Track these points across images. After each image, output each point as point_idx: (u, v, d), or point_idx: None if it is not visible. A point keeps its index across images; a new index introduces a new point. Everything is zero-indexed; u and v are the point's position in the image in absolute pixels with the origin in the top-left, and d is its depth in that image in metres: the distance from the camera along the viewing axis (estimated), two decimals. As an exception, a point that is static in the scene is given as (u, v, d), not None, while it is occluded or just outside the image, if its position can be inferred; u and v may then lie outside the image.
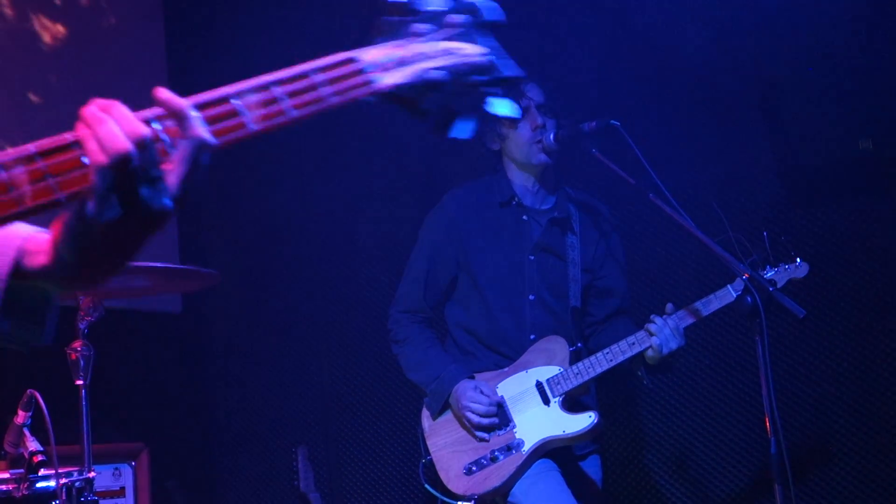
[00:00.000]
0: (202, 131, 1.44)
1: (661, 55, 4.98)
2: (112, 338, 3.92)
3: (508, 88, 1.71)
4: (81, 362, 3.53)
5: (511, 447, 3.96)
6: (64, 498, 3.27)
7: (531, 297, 4.16)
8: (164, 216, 1.43)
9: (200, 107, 1.46)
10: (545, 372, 4.03)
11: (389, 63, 1.62)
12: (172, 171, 1.43)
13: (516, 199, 4.23)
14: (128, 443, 5.03)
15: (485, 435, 3.98)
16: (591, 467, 4.23)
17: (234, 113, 1.49)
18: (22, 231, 1.66)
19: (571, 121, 4.12)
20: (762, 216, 4.51)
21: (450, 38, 1.67)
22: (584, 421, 3.96)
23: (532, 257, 4.18)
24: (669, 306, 3.91)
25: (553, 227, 4.21)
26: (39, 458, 3.39)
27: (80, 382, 3.56)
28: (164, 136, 1.45)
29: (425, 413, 4.17)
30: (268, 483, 6.07)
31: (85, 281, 1.64)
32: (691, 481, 5.00)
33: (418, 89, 1.64)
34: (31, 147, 1.39)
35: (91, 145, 1.39)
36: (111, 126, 1.39)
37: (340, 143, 6.02)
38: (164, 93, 1.45)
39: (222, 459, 6.32)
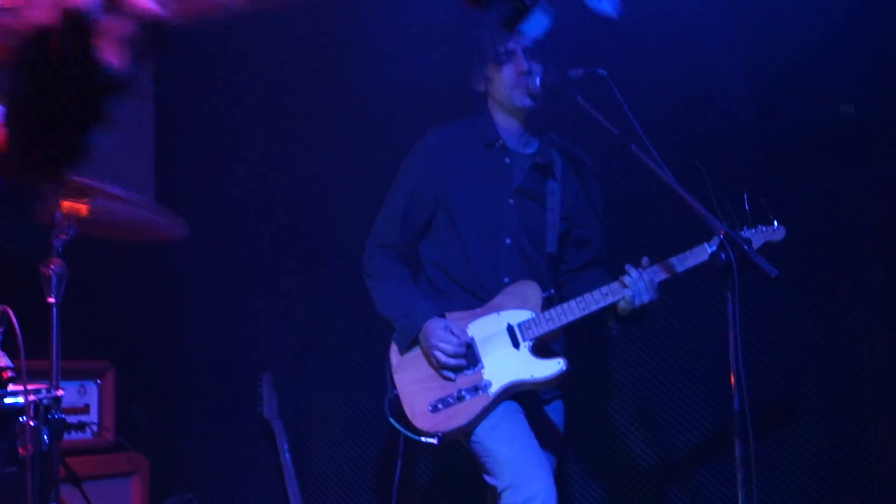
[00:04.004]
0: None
1: (649, 15, 4.95)
2: (85, 257, 3.89)
3: None
4: (54, 280, 3.50)
5: (478, 388, 3.98)
6: (31, 414, 3.28)
7: (508, 241, 4.16)
8: (107, 90, 1.26)
9: None
10: (517, 316, 4.04)
11: None
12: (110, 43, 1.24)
13: (500, 141, 4.22)
14: (94, 361, 5.03)
15: (451, 374, 4.01)
16: (555, 412, 4.27)
17: None
18: None
19: (559, 67, 4.10)
20: (742, 178, 4.51)
21: None
22: (552, 367, 3.99)
23: (512, 201, 4.18)
24: (645, 260, 3.93)
25: (535, 172, 4.21)
26: (9, 373, 3.39)
27: (52, 300, 3.54)
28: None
29: (393, 348, 4.18)
30: (231, 409, 6.09)
31: (38, 168, 1.41)
32: (653, 432, 5.06)
33: None
34: None
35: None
36: None
37: (315, 87, 6.00)
38: None
39: (187, 383, 6.33)
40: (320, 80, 6.02)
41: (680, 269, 3.90)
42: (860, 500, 4.64)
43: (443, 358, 3.99)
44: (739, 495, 3.55)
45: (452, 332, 4.01)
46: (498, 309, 4.08)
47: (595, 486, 5.18)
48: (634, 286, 3.86)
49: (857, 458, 4.65)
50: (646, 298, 3.87)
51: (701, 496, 4.92)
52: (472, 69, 4.26)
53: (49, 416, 3.32)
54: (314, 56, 6.06)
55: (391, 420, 4.09)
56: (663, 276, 3.92)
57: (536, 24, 1.48)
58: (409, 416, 4.04)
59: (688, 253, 3.89)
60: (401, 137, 4.57)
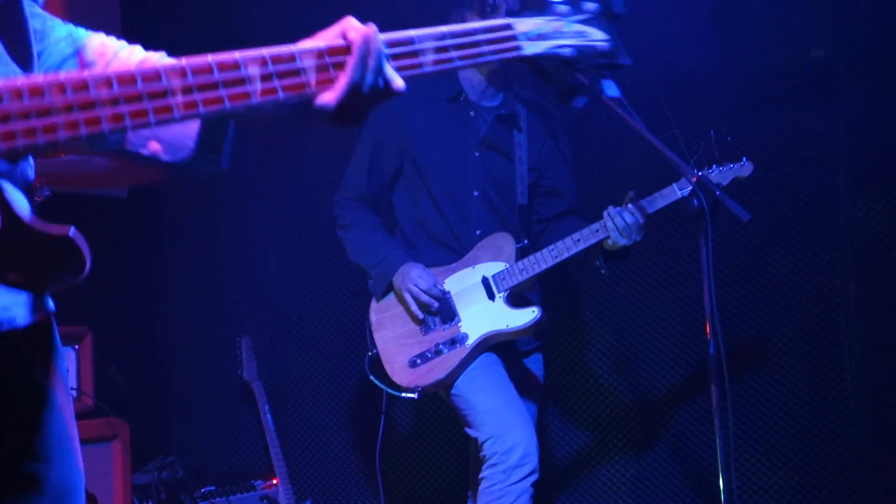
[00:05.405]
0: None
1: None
2: (58, 219, 3.88)
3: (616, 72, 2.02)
4: (28, 242, 3.47)
5: (455, 341, 4.01)
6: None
7: (476, 193, 4.19)
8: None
9: (390, 44, 1.74)
10: (491, 268, 4.07)
11: (535, 35, 1.90)
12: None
13: (464, 94, 4.23)
14: (72, 326, 5.00)
15: (424, 316, 4.03)
16: (534, 364, 4.30)
17: (415, 54, 1.77)
18: None
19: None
20: (711, 120, 4.52)
21: (583, 22, 1.97)
22: (527, 316, 4.01)
23: (477, 154, 4.20)
24: (631, 193, 3.92)
25: (499, 124, 4.22)
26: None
27: (25, 262, 3.51)
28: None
29: (373, 307, 4.21)
30: (211, 371, 6.10)
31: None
32: (630, 379, 5.09)
33: (552, 61, 1.93)
34: (263, 52, 1.62)
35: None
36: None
37: (298, 22, 5.94)
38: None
39: (166, 346, 6.33)
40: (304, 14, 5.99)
41: (650, 210, 3.90)
42: (836, 441, 4.70)
43: (415, 291, 4.02)
44: (717, 439, 3.58)
45: (427, 275, 4.05)
46: (473, 262, 4.11)
47: (574, 434, 5.22)
48: (613, 230, 3.87)
49: (832, 399, 4.70)
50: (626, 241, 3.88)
51: (679, 442, 4.97)
52: (452, 13, 4.25)
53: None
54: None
55: (371, 378, 4.12)
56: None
57: (581, 101, 2.03)
58: (389, 372, 4.08)
59: (657, 194, 3.88)
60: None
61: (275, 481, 5.39)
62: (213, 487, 5.24)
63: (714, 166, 3.83)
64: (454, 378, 4.01)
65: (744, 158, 3.82)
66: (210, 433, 6.11)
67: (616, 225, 3.84)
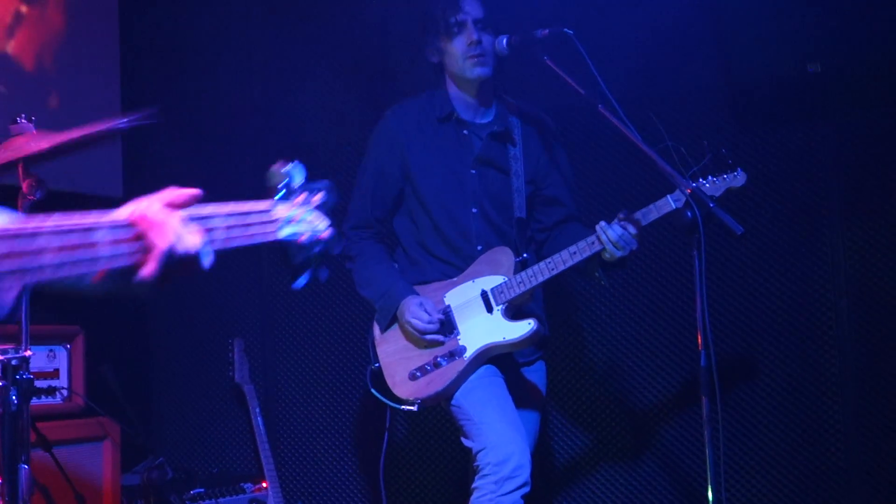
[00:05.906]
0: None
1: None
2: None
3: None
4: (21, 242, 3.47)
5: (454, 353, 4.04)
6: (0, 374, 3.27)
7: (474, 210, 4.21)
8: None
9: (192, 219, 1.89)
10: (490, 281, 4.09)
11: (286, 220, 2.20)
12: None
13: (455, 114, 4.25)
14: (64, 325, 5.00)
15: (431, 339, 4.06)
16: (536, 373, 4.32)
17: (210, 230, 1.97)
18: None
19: (523, 29, 4.11)
20: (708, 135, 4.53)
21: (313, 211, 2.28)
22: (523, 328, 4.03)
23: (473, 171, 4.22)
24: (621, 214, 3.92)
25: (493, 141, 4.24)
26: (-23, 335, 3.38)
27: (19, 262, 3.51)
28: None
29: (376, 323, 4.24)
30: (202, 373, 6.09)
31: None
32: (621, 391, 5.10)
33: (294, 243, 2.25)
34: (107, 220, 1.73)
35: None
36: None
37: (286, 66, 5.99)
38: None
39: (158, 348, 6.32)
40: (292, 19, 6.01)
41: (644, 222, 3.89)
42: (825, 455, 4.70)
43: (417, 336, 4.06)
44: (707, 451, 3.59)
45: (426, 310, 4.06)
46: (473, 276, 4.14)
47: (565, 442, 5.23)
48: (607, 243, 3.87)
49: (823, 412, 4.71)
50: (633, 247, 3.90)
51: (668, 453, 4.97)
52: (426, 40, 4.28)
53: (17, 377, 3.31)
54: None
55: (372, 391, 4.15)
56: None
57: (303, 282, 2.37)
58: (390, 385, 4.11)
59: (651, 206, 3.87)
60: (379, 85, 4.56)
61: (264, 485, 5.40)
62: (202, 490, 5.24)
63: (708, 177, 3.82)
64: (453, 390, 4.04)
65: (738, 169, 3.81)
66: (200, 435, 6.11)
67: (609, 238, 3.84)
